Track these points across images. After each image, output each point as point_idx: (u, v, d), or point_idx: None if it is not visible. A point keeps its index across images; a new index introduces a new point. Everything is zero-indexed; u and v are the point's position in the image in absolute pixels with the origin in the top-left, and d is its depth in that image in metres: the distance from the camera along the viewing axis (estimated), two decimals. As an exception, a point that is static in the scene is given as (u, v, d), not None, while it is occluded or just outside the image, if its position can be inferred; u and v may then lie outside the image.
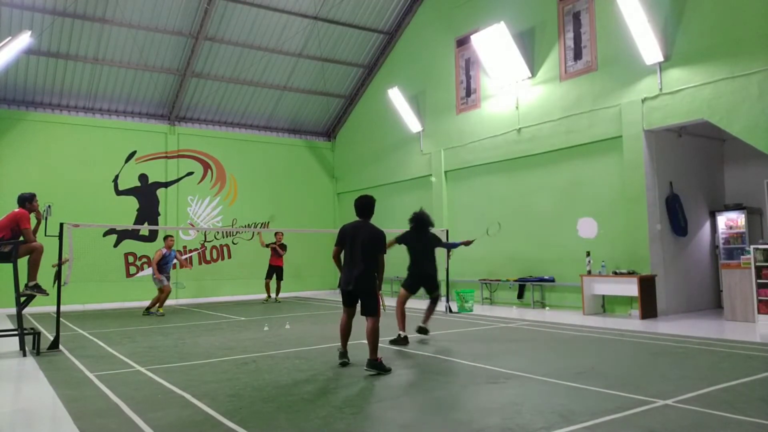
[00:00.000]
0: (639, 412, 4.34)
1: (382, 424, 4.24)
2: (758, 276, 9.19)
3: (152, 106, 16.64)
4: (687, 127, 10.88)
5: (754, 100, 9.09)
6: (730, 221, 11.41)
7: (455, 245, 9.43)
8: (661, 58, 10.24)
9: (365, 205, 6.46)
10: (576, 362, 6.37)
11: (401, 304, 8.08)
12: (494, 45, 12.64)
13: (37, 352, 7.45)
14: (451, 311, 11.63)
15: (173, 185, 16.81)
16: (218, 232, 17.23)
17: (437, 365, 6.39)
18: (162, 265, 12.45)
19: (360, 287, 6.20)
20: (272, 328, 9.61)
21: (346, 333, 6.47)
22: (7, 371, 6.55)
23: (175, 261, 12.86)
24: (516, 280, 12.89)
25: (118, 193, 16.04)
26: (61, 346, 7.76)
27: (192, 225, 16.93)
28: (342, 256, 6.42)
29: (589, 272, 11.03)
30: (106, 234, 15.60)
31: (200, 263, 16.94)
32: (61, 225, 7.98)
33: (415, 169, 16.13)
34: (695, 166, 11.61)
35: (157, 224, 16.49)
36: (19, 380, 6.19)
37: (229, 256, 17.40)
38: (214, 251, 17.23)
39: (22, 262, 7.54)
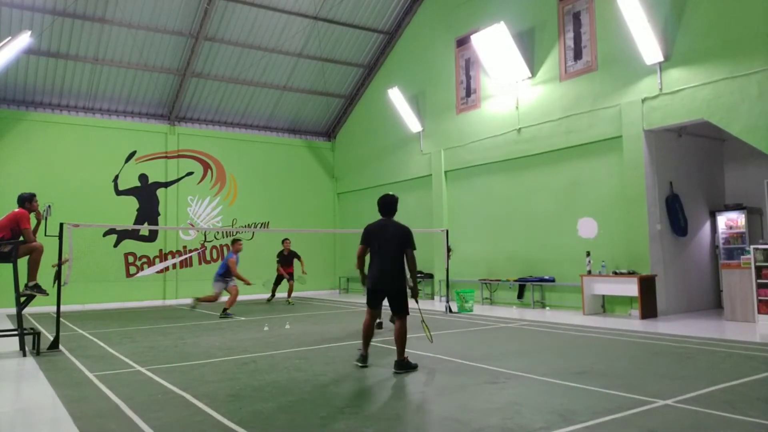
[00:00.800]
0: (639, 412, 4.33)
1: (382, 424, 4.24)
2: (758, 276, 9.19)
3: (152, 106, 16.64)
4: (687, 127, 10.88)
5: (754, 100, 9.09)
6: (730, 221, 11.40)
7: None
8: (661, 58, 10.24)
9: (388, 203, 6.41)
10: (576, 362, 6.37)
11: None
12: (494, 45, 12.64)
13: (37, 352, 7.45)
14: (451, 311, 11.63)
15: (173, 185, 16.81)
16: (218, 232, 17.23)
17: (437, 365, 6.38)
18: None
19: (390, 286, 6.14)
20: (272, 328, 9.61)
21: (369, 334, 6.30)
22: (7, 371, 6.55)
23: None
24: (516, 280, 12.89)
25: (118, 193, 16.03)
26: (61, 346, 7.76)
27: (192, 225, 16.93)
28: (368, 255, 6.32)
29: (589, 272, 11.03)
30: (106, 234, 15.59)
31: (200, 263, 16.93)
32: (61, 225, 7.97)
33: (415, 169, 16.13)
34: (695, 166, 11.61)
35: (157, 224, 16.49)
36: (19, 380, 6.18)
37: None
38: (214, 251, 17.23)
39: (22, 262, 7.54)
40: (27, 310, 8.39)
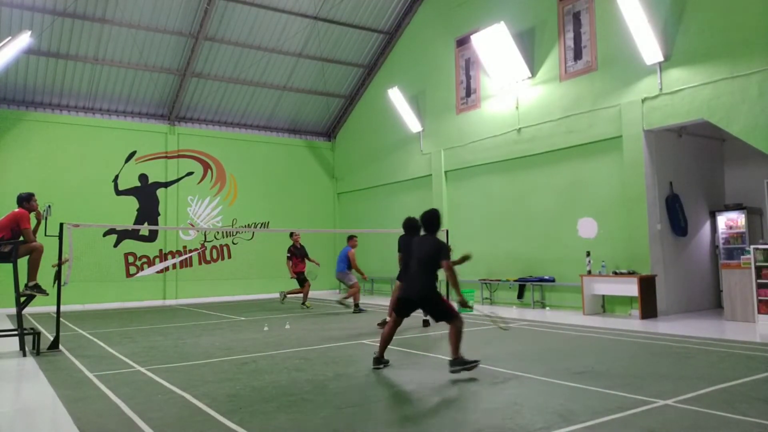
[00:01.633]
0: (639, 412, 4.34)
1: (382, 424, 4.24)
2: (758, 276, 9.19)
3: (152, 106, 16.64)
4: (687, 127, 10.89)
5: (754, 100, 9.09)
6: (730, 221, 11.40)
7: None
8: (661, 58, 10.25)
9: (432, 218, 6.40)
10: (576, 362, 6.37)
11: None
12: (494, 45, 12.64)
13: (37, 352, 7.45)
14: (451, 311, 11.61)
15: (173, 185, 16.81)
16: (218, 232, 17.23)
17: (437, 365, 6.39)
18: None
19: (423, 295, 6.16)
20: (272, 328, 9.61)
21: (387, 339, 6.29)
22: (7, 371, 6.55)
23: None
24: (516, 280, 12.89)
25: (118, 193, 16.03)
26: (61, 346, 7.77)
27: (192, 225, 16.93)
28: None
29: (589, 272, 11.03)
30: (106, 234, 15.59)
31: (200, 263, 16.94)
32: (61, 225, 7.98)
33: (415, 169, 16.13)
34: (695, 166, 11.61)
35: (157, 224, 16.49)
36: (19, 380, 6.18)
37: (229, 256, 17.40)
38: (214, 251, 17.23)
39: (22, 262, 7.54)
40: (27, 310, 8.39)
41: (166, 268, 16.40)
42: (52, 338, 7.83)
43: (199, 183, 17.23)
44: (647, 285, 10.27)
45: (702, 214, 11.67)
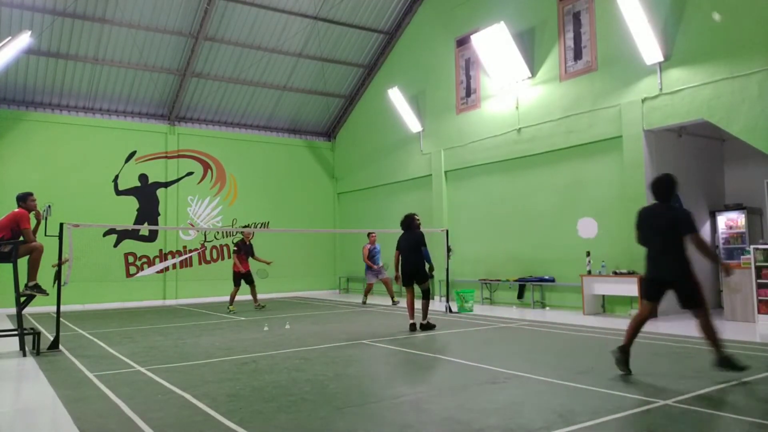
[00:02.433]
0: (639, 412, 4.34)
1: (382, 424, 4.24)
2: (758, 276, 9.19)
3: (152, 106, 16.65)
4: (687, 127, 10.88)
5: (754, 100, 9.09)
6: (730, 221, 11.40)
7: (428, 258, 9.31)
8: (661, 58, 10.25)
9: (662, 184, 5.85)
10: (576, 362, 6.37)
11: (408, 300, 9.37)
12: (494, 45, 12.64)
13: (37, 352, 7.45)
14: (451, 311, 11.63)
15: (173, 185, 16.81)
16: (218, 232, 17.23)
17: (437, 365, 6.39)
18: (371, 260, 13.82)
19: (676, 274, 5.65)
20: (272, 328, 9.61)
21: (637, 329, 5.79)
22: (7, 371, 6.55)
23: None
24: (516, 280, 12.89)
25: (118, 193, 16.04)
26: (61, 346, 7.77)
27: (192, 225, 16.93)
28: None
29: (589, 272, 11.03)
30: (106, 234, 15.60)
31: (200, 263, 16.94)
32: (61, 225, 7.98)
33: (415, 169, 16.13)
34: (695, 166, 11.61)
35: (157, 224, 16.49)
36: (19, 380, 6.19)
37: (229, 256, 17.36)
38: (214, 251, 17.23)
39: (22, 262, 7.54)
40: (27, 310, 8.39)
41: (166, 268, 16.41)
42: (52, 338, 7.83)
43: (199, 183, 17.23)
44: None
45: (702, 214, 11.66)
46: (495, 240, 13.62)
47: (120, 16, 14.14)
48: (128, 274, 15.89)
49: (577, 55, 11.88)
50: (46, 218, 8.07)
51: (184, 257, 16.74)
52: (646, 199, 10.57)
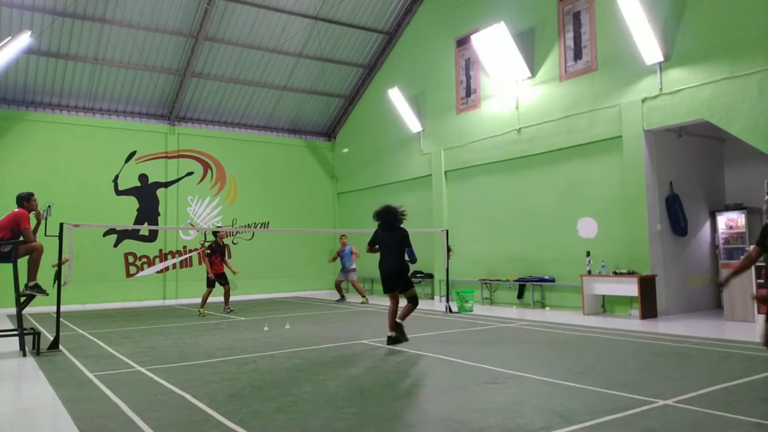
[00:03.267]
0: (639, 412, 4.33)
1: (382, 424, 4.24)
2: (758, 276, 9.19)
3: (152, 106, 16.64)
4: (687, 127, 10.88)
5: (754, 100, 9.09)
6: (730, 221, 11.40)
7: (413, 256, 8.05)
8: (661, 58, 10.25)
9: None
10: (576, 362, 6.37)
11: (391, 309, 7.91)
12: (494, 45, 12.64)
13: (37, 352, 7.45)
14: (451, 311, 11.63)
15: (173, 185, 16.81)
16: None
17: (437, 365, 6.39)
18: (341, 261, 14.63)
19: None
20: (272, 328, 9.61)
21: None
22: (7, 371, 6.55)
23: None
24: (516, 280, 12.89)
25: (118, 193, 16.04)
26: (61, 346, 7.76)
27: (192, 225, 16.93)
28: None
29: (589, 272, 11.03)
30: (106, 234, 15.60)
31: (200, 263, 16.93)
32: (61, 225, 7.98)
33: (415, 169, 16.13)
34: (695, 166, 11.61)
35: (157, 224, 16.49)
36: (19, 380, 6.19)
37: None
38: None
39: (22, 262, 7.54)
40: (27, 310, 8.39)
41: (166, 268, 16.41)
42: (52, 338, 7.83)
43: (199, 183, 17.23)
44: (647, 285, 10.26)
45: (702, 214, 11.67)
46: (495, 240, 13.62)
47: (120, 16, 14.14)
48: (128, 274, 15.89)
49: (577, 55, 11.88)
50: (46, 218, 8.07)
51: (184, 257, 16.75)
52: (646, 199, 10.59)
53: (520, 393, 5.01)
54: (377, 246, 7.98)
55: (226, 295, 12.54)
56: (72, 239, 8.15)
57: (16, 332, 7.54)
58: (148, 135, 16.58)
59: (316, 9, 15.69)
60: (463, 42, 14.49)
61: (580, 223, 11.57)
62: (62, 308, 7.97)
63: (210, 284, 12.23)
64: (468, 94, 14.47)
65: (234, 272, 12.56)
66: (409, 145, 16.33)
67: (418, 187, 16.04)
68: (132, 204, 16.20)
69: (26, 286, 7.60)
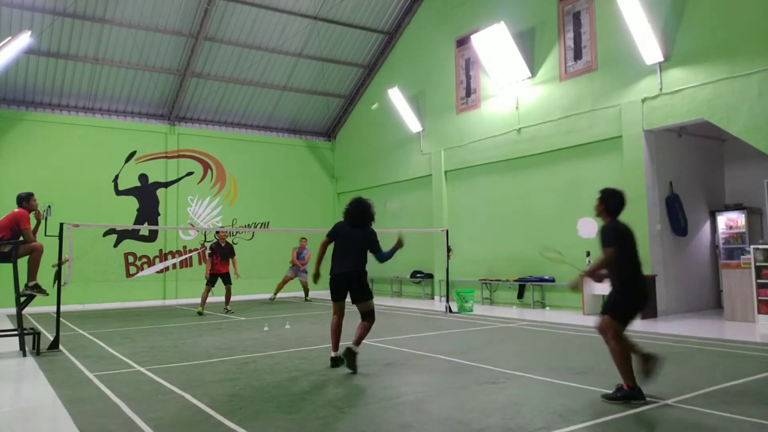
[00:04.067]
0: (639, 412, 4.34)
1: (382, 424, 4.24)
2: (758, 276, 9.19)
3: (152, 106, 16.64)
4: (687, 127, 10.88)
5: (754, 100, 9.09)
6: (730, 221, 11.40)
7: (391, 254, 6.84)
8: (661, 58, 10.24)
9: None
10: (576, 362, 6.37)
11: (333, 323, 6.53)
12: (494, 45, 12.64)
13: (37, 352, 7.45)
14: (451, 311, 11.63)
15: (173, 185, 16.81)
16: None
17: (437, 365, 6.39)
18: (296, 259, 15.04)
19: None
20: (272, 328, 9.61)
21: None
22: (7, 371, 6.55)
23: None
24: (516, 280, 12.89)
25: (118, 193, 16.03)
26: (61, 346, 7.76)
27: (192, 225, 16.93)
28: None
29: (589, 272, 11.01)
30: (106, 234, 15.60)
31: (200, 263, 16.93)
32: (61, 225, 7.98)
33: (415, 169, 16.13)
34: (695, 166, 11.61)
35: (157, 224, 16.49)
36: (19, 380, 6.18)
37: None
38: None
39: (22, 262, 7.54)
40: (27, 310, 8.38)
41: (166, 268, 16.41)
42: (52, 338, 7.82)
43: (199, 183, 17.22)
44: (647, 285, 10.24)
45: (702, 214, 11.67)
46: (495, 240, 13.61)
47: (120, 16, 14.14)
48: (128, 274, 15.89)
49: (577, 55, 11.88)
50: (46, 218, 8.06)
51: (184, 257, 16.75)
52: (646, 199, 10.59)
53: (520, 393, 5.01)
54: (334, 242, 6.65)
55: (227, 296, 12.50)
56: (72, 239, 8.15)
57: (16, 332, 7.54)
58: (148, 135, 16.57)
59: (316, 9, 15.69)
60: (463, 42, 14.49)
61: (580, 223, 11.46)
62: (62, 308, 7.97)
63: (209, 283, 12.30)
64: (468, 94, 14.47)
65: (237, 275, 12.55)
66: (409, 145, 16.33)
67: (418, 187, 16.04)
68: (132, 204, 16.19)
69: (26, 286, 7.59)
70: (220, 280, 12.35)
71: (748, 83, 9.16)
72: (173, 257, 16.55)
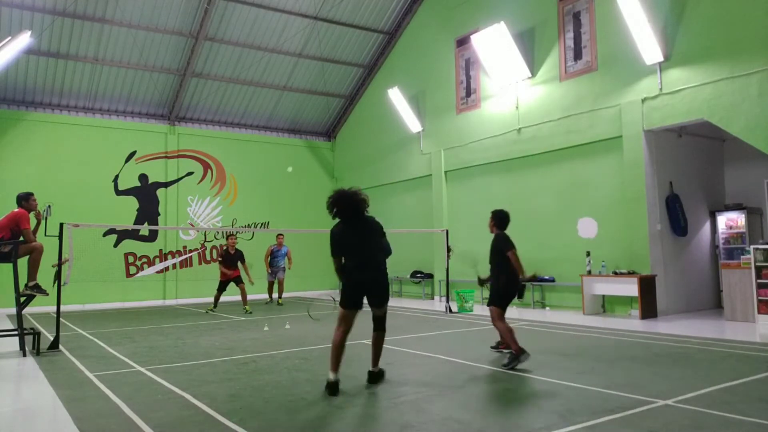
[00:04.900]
0: (639, 412, 4.33)
1: (382, 424, 4.24)
2: (758, 276, 9.19)
3: (152, 106, 16.65)
4: (687, 127, 10.88)
5: (754, 100, 9.09)
6: (730, 221, 11.41)
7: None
8: (661, 58, 10.24)
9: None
10: (576, 362, 6.37)
11: (336, 339, 5.56)
12: (494, 45, 12.64)
13: (37, 352, 7.45)
14: (451, 311, 11.63)
15: (173, 185, 16.81)
16: (218, 232, 17.23)
17: (437, 366, 6.39)
18: (271, 260, 14.29)
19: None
20: (272, 328, 9.61)
21: None
22: (7, 371, 6.55)
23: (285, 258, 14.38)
24: (516, 280, 12.87)
25: (118, 193, 16.04)
26: (61, 346, 7.76)
27: (192, 225, 16.93)
28: None
29: (589, 272, 11.03)
30: (106, 234, 15.60)
31: (200, 263, 16.94)
32: (61, 225, 7.98)
33: (415, 169, 16.13)
34: (695, 166, 11.61)
35: (157, 224, 16.49)
36: (19, 380, 6.18)
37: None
38: (214, 251, 17.22)
39: (22, 262, 7.54)
40: (27, 310, 8.39)
41: (166, 268, 16.41)
42: (52, 338, 7.83)
43: (199, 183, 17.23)
44: (647, 285, 10.26)
45: (702, 214, 11.67)
46: (495, 240, 13.58)
47: (120, 16, 14.14)
48: (128, 274, 15.89)
49: (577, 55, 11.88)
50: (46, 218, 8.07)
51: (184, 257, 16.75)
52: (646, 199, 10.59)
53: (521, 393, 5.01)
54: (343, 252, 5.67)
55: (243, 296, 12.66)
56: (72, 239, 8.15)
57: (16, 332, 7.54)
58: (148, 135, 16.58)
59: (316, 9, 15.69)
60: (463, 42, 14.49)
61: (580, 223, 11.56)
62: (62, 308, 7.98)
63: (219, 288, 12.75)
64: (468, 94, 14.47)
65: (251, 281, 12.77)
66: (409, 145, 16.33)
67: (418, 187, 16.04)
68: (132, 204, 16.20)
69: (26, 286, 7.60)
70: (232, 283, 12.70)
71: (748, 83, 9.17)
72: (173, 257, 16.55)
